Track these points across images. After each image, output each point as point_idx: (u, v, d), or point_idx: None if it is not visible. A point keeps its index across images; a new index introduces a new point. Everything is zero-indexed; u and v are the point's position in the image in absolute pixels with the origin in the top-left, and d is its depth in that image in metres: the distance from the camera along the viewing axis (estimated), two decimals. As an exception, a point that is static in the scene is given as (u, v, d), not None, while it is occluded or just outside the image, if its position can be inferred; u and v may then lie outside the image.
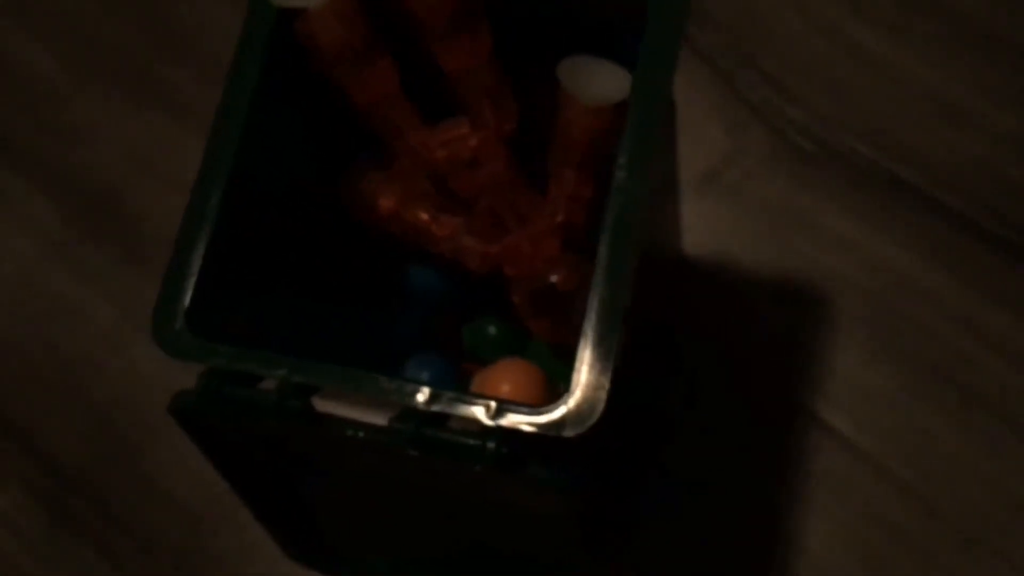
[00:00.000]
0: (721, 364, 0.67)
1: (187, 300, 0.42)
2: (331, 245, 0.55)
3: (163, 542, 0.68)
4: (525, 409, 0.39)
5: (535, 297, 0.52)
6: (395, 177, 0.52)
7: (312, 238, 0.53)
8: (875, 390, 0.66)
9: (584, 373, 0.39)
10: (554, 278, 0.51)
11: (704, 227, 0.70)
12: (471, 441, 0.39)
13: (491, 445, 0.38)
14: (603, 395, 0.39)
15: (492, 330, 0.58)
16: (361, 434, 0.41)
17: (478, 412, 0.39)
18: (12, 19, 0.79)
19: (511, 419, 0.39)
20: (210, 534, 0.68)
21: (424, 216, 0.52)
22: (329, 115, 0.50)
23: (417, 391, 0.40)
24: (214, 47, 0.61)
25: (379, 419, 0.41)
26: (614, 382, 0.39)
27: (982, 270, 0.66)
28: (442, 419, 0.40)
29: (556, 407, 0.39)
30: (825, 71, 0.71)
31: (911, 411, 0.65)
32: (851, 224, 0.69)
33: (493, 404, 0.39)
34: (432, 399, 0.40)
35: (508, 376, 0.53)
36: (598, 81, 0.47)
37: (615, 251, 0.41)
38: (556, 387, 0.55)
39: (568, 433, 0.39)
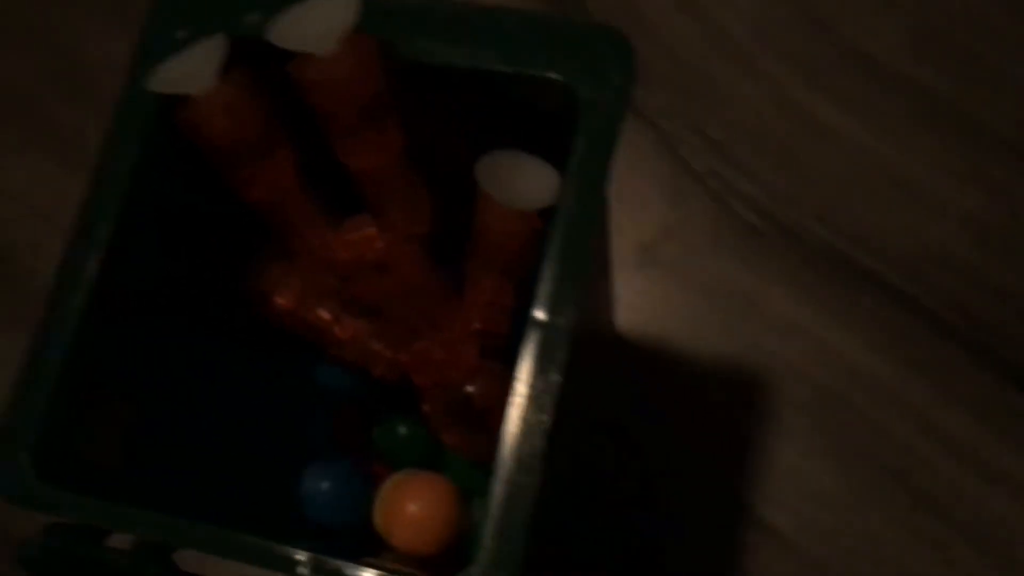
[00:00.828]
0: (670, 450, 0.62)
1: (33, 435, 0.36)
2: (227, 342, 0.49)
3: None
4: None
5: (449, 408, 0.47)
6: (294, 271, 0.46)
7: (204, 333, 0.47)
8: (818, 488, 0.62)
9: (490, 545, 0.34)
10: (471, 389, 0.46)
11: (642, 304, 0.65)
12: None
13: (380, 629, 0.33)
14: (515, 569, 0.33)
15: (403, 430, 0.53)
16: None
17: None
18: None
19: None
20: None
21: (325, 316, 0.46)
22: (225, 204, 0.44)
23: (296, 558, 0.34)
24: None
25: None
26: (532, 544, 0.34)
27: (940, 365, 0.62)
28: (326, 587, 0.35)
29: (456, 584, 0.34)
30: (776, 141, 0.66)
31: (857, 513, 0.61)
32: (799, 307, 0.64)
33: (385, 576, 0.34)
34: (315, 569, 0.34)
35: (417, 494, 0.48)
36: (522, 182, 0.42)
37: (532, 397, 0.35)
38: (471, 506, 0.49)
39: (470, 619, 0.33)
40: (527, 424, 0.35)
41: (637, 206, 0.66)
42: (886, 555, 0.60)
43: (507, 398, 0.46)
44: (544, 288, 0.36)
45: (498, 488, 0.34)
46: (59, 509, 0.35)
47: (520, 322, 0.46)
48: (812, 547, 0.61)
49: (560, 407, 0.36)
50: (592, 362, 0.55)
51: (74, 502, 0.35)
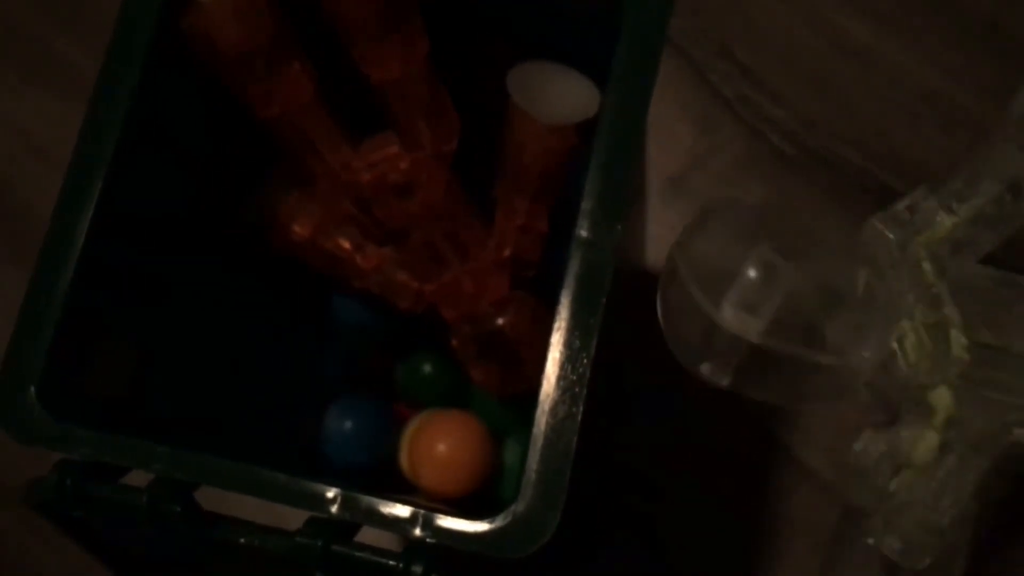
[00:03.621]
0: (701, 391, 0.60)
1: (40, 366, 0.34)
2: (240, 274, 0.46)
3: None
4: (461, 522, 0.31)
5: (478, 342, 0.44)
6: (313, 198, 0.43)
7: (213, 267, 0.44)
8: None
9: (534, 479, 0.31)
10: (501, 321, 0.43)
11: (670, 238, 0.62)
12: (392, 562, 0.31)
13: (417, 569, 0.31)
14: (557, 506, 0.31)
15: (428, 368, 0.51)
16: (257, 542, 0.33)
17: (404, 522, 0.31)
18: None
19: (443, 532, 0.31)
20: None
21: (346, 245, 0.44)
22: (234, 122, 0.41)
23: (326, 495, 0.32)
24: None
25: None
26: (572, 481, 0.32)
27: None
28: (356, 526, 0.33)
29: (499, 519, 0.31)
30: (809, 65, 0.63)
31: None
32: (833, 238, 0.61)
33: (421, 513, 0.32)
34: (344, 505, 0.32)
35: (447, 432, 0.46)
36: (557, 94, 0.39)
37: (577, 320, 0.33)
38: (502, 445, 0.47)
39: (512, 554, 0.31)
40: (571, 350, 0.33)
41: (665, 136, 0.63)
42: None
43: (539, 330, 0.44)
44: (588, 204, 0.33)
45: (542, 419, 0.32)
46: (72, 444, 0.33)
47: (550, 251, 0.44)
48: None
49: (603, 333, 0.34)
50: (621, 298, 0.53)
51: (90, 437, 0.33)
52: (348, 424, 0.47)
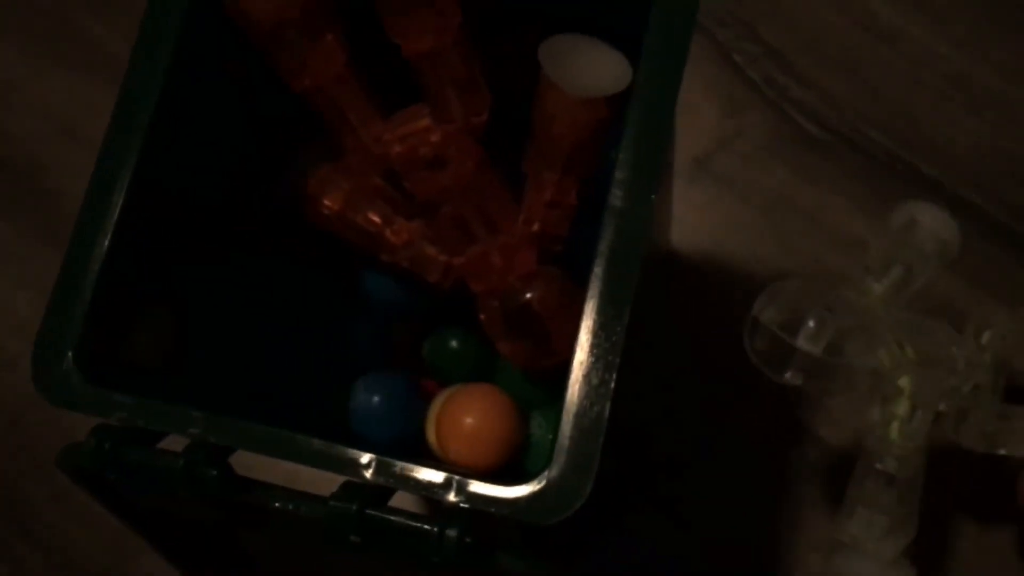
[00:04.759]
0: (727, 365, 0.60)
1: (77, 332, 0.34)
2: (271, 247, 0.46)
3: (82, 561, 0.60)
4: (495, 487, 0.31)
5: (507, 317, 0.44)
6: (343, 172, 0.44)
7: (247, 240, 0.45)
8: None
9: (568, 445, 0.32)
10: (529, 296, 0.43)
11: (694, 218, 0.63)
12: (427, 526, 0.31)
13: (451, 533, 0.31)
14: (590, 473, 0.31)
15: (454, 344, 0.51)
16: (291, 507, 0.33)
17: (438, 487, 0.32)
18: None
19: (477, 498, 0.32)
20: (134, 554, 0.60)
21: (376, 219, 0.44)
22: (269, 94, 0.42)
23: (361, 460, 0.32)
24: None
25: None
26: (604, 450, 0.32)
27: (1005, 274, 0.59)
28: (390, 492, 0.33)
29: (533, 484, 0.32)
30: (836, 46, 0.63)
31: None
32: (859, 221, 0.61)
33: (456, 478, 0.32)
34: (379, 470, 0.32)
35: (474, 405, 0.46)
36: (589, 67, 0.39)
37: (611, 289, 0.33)
38: (528, 419, 0.47)
39: (545, 520, 0.31)
40: (606, 318, 0.33)
41: (690, 116, 0.63)
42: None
43: (566, 305, 0.44)
44: (622, 174, 0.34)
45: (575, 386, 0.32)
46: (109, 409, 0.33)
47: (578, 227, 0.44)
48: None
49: (635, 306, 0.34)
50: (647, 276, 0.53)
51: (127, 402, 0.33)
52: (376, 399, 0.48)
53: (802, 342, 0.44)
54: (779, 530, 0.58)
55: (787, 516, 0.58)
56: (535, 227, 0.43)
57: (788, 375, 0.45)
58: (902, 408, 0.48)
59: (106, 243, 0.35)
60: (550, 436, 0.45)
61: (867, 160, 0.61)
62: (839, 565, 0.49)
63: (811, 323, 0.44)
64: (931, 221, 0.49)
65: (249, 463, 0.36)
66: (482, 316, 0.45)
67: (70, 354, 0.34)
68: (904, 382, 0.48)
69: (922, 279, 0.49)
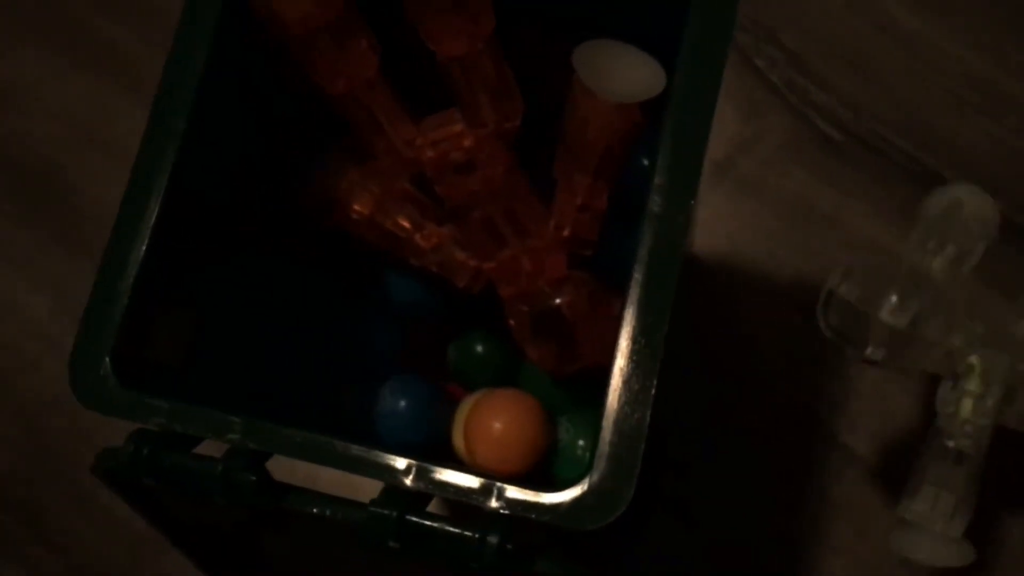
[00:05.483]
0: (729, 380, 0.60)
1: (113, 338, 0.34)
2: (298, 250, 0.46)
3: (101, 564, 0.60)
4: (535, 494, 0.31)
5: (535, 321, 0.44)
6: (372, 176, 0.44)
7: (274, 244, 0.45)
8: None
9: (608, 451, 0.32)
10: (559, 300, 0.43)
11: (715, 222, 0.62)
12: (467, 533, 0.31)
13: (492, 540, 0.31)
14: (632, 479, 0.31)
15: (480, 348, 0.51)
16: (329, 512, 0.33)
17: (477, 493, 0.32)
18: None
19: (517, 504, 0.32)
20: (153, 557, 0.60)
21: (406, 224, 0.44)
22: (298, 99, 0.42)
23: (399, 467, 0.32)
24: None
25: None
26: (646, 456, 0.32)
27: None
28: (428, 498, 0.33)
29: (574, 490, 0.32)
30: (856, 50, 0.63)
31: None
32: (880, 225, 0.61)
33: (495, 485, 0.32)
34: (419, 476, 0.32)
35: (502, 410, 0.46)
36: (622, 72, 0.39)
37: (651, 294, 0.33)
38: (555, 424, 0.47)
39: (586, 526, 0.31)
40: (645, 324, 0.33)
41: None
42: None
43: (595, 310, 0.44)
44: (661, 179, 0.34)
45: (615, 392, 0.32)
46: (147, 414, 0.33)
47: (608, 232, 0.44)
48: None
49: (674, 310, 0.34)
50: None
51: (165, 407, 0.33)
52: (403, 403, 0.48)
53: (885, 315, 0.44)
54: (788, 530, 0.58)
55: (796, 516, 0.58)
56: (566, 231, 0.43)
57: (869, 350, 0.45)
58: (974, 385, 0.47)
59: (143, 249, 0.35)
60: (579, 441, 0.45)
61: (886, 163, 0.61)
62: (902, 542, 0.48)
63: (894, 297, 0.44)
64: (975, 200, 0.49)
65: (268, 465, 0.36)
66: (510, 321, 0.45)
67: (107, 360, 0.34)
68: (975, 359, 0.47)
69: (973, 258, 0.49)
